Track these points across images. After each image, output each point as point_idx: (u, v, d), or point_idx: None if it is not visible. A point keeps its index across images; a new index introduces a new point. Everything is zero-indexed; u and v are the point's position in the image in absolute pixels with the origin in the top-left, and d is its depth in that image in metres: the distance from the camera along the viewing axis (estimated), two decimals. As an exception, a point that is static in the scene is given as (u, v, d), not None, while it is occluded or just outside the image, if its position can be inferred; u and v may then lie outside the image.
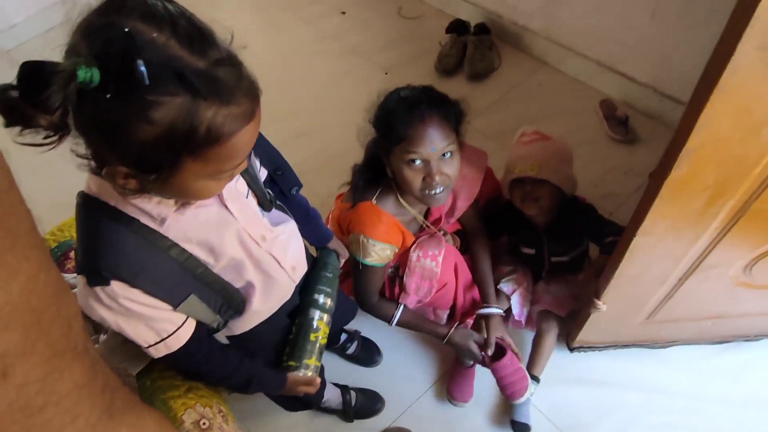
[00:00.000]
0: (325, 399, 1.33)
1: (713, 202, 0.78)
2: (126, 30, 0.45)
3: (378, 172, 1.12)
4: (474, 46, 2.13)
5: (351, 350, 1.46)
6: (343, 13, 2.58)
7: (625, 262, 0.93)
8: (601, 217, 1.30)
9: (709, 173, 0.72)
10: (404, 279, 1.23)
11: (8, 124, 0.41)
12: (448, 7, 2.39)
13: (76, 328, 0.33)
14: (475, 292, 1.38)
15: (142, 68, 0.45)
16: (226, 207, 0.70)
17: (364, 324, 1.50)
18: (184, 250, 0.66)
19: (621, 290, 1.04)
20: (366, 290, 1.22)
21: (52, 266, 0.32)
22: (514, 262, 1.42)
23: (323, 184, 1.89)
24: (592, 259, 1.38)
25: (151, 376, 0.92)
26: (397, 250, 1.18)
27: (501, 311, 1.28)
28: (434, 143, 1.00)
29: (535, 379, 1.32)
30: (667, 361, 1.37)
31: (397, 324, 1.26)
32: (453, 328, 1.25)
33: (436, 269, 1.23)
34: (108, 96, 0.45)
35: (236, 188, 0.74)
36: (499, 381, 1.24)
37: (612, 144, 1.84)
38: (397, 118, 1.01)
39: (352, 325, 1.51)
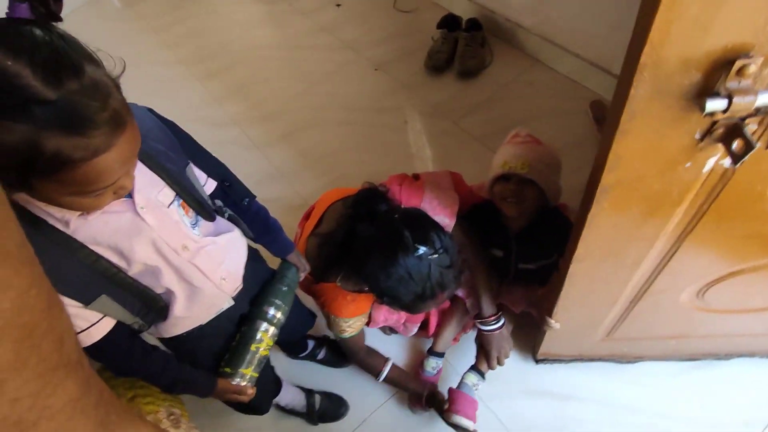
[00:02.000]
0: (288, 402, 1.36)
1: (644, 235, 0.75)
2: None
3: (344, 253, 1.07)
4: (465, 43, 2.08)
5: (321, 355, 1.48)
6: (338, 5, 2.55)
7: (567, 285, 0.92)
8: None
9: (633, 208, 0.69)
10: (372, 311, 1.23)
11: None
12: (443, 1, 2.34)
13: (68, 343, 0.33)
14: (446, 305, 1.38)
15: None
16: (140, 216, 0.71)
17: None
18: (92, 252, 0.68)
19: (571, 310, 1.03)
20: (351, 351, 1.25)
21: (44, 281, 0.32)
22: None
23: (305, 185, 1.90)
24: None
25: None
26: (369, 312, 1.19)
27: (493, 329, 1.24)
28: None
29: (481, 374, 1.32)
30: (635, 376, 1.35)
31: (384, 380, 1.29)
32: (428, 390, 1.29)
33: None
34: None
35: (156, 198, 0.74)
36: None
37: (599, 148, 1.78)
38: (418, 304, 0.98)
39: (319, 332, 1.53)
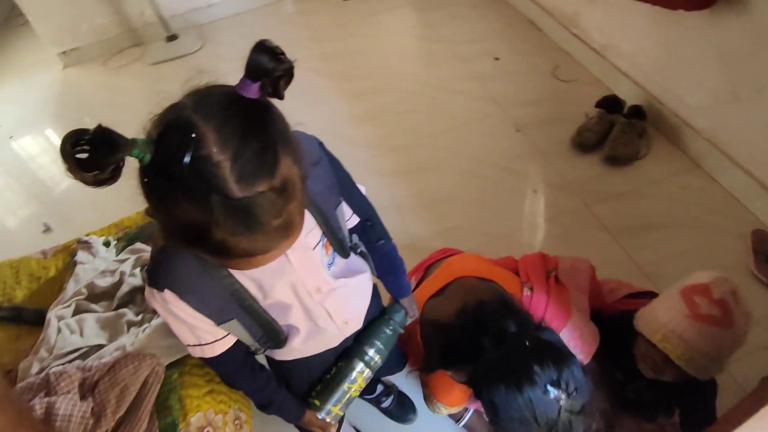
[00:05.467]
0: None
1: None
2: (193, 135, 0.47)
3: (464, 357, 0.94)
4: (621, 129, 1.95)
5: (386, 404, 1.42)
6: (497, 59, 2.54)
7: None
8: (710, 403, 1.10)
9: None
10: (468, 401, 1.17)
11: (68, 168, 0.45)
12: (608, 79, 2.23)
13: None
14: None
15: (184, 167, 0.47)
16: (286, 256, 0.71)
17: (402, 379, 1.46)
18: (236, 281, 0.71)
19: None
20: None
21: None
22: None
23: (416, 225, 1.88)
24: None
25: (180, 370, 0.96)
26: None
27: None
28: None
29: None
30: None
31: (465, 426, 1.28)
32: None
33: None
34: (145, 180, 0.50)
35: (304, 239, 0.74)
36: None
37: (754, 284, 1.55)
38: None
39: (390, 378, 1.47)
